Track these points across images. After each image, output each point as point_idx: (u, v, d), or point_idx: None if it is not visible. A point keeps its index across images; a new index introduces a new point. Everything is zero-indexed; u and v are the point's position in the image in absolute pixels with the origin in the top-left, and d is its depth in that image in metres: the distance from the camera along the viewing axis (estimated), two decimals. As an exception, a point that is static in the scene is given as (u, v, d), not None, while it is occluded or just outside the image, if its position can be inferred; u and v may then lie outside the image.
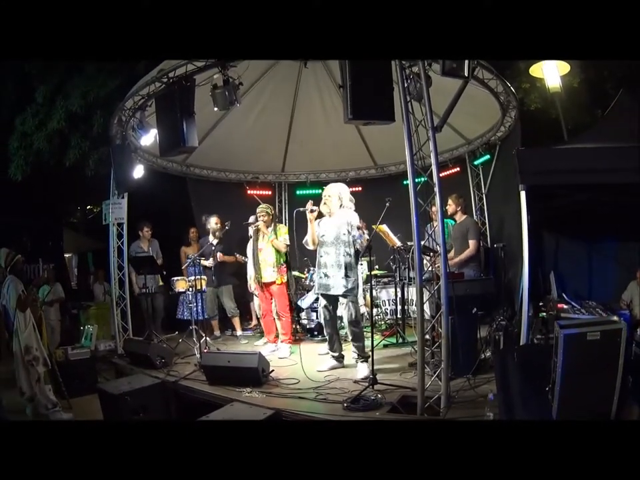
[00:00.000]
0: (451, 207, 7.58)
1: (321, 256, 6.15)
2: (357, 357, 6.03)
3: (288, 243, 7.44)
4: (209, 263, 8.51)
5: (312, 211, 6.08)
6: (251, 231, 7.56)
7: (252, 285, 7.93)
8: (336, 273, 5.99)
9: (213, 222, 8.61)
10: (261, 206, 7.59)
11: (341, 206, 6.19)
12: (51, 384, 6.33)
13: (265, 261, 7.39)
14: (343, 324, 6.39)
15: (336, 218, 6.15)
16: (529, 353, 4.58)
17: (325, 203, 6.18)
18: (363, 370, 5.85)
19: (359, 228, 6.15)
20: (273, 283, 7.37)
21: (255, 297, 8.13)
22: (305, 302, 8.59)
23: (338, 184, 6.40)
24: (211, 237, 8.60)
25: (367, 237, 6.15)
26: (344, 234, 6.03)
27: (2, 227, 10.62)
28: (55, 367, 6.62)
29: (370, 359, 5.91)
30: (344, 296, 5.97)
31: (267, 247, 7.41)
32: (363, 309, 7.77)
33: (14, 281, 6.10)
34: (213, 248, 8.55)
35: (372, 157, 11.05)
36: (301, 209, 6.21)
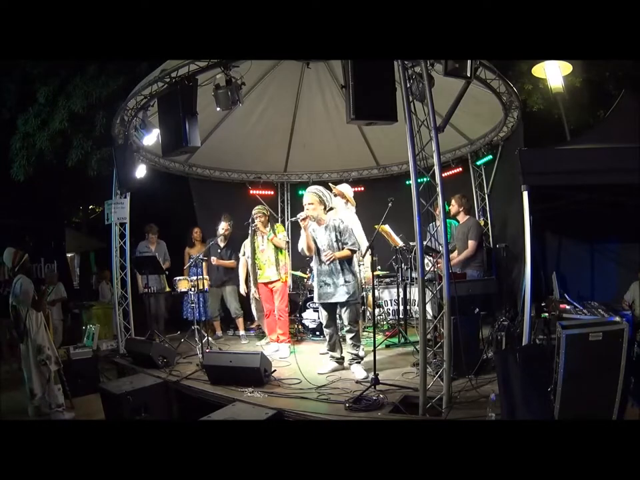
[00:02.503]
0: (453, 207, 7.56)
1: (320, 264, 6.10)
2: (351, 357, 6.04)
3: (287, 239, 7.44)
4: (213, 261, 8.55)
5: (304, 219, 5.99)
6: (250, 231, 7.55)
7: (242, 288, 8.01)
8: (336, 281, 5.96)
9: (221, 227, 8.61)
10: (256, 207, 7.58)
11: (325, 209, 6.12)
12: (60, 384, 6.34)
13: (269, 260, 7.38)
14: (342, 323, 6.37)
15: (325, 224, 6.08)
16: (531, 354, 4.56)
17: (308, 214, 6.01)
18: (359, 372, 5.87)
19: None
20: (277, 280, 7.38)
21: (254, 298, 8.12)
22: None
23: (314, 188, 6.22)
24: (218, 239, 8.60)
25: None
26: (335, 241, 5.98)
27: (4, 227, 10.64)
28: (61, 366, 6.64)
29: (363, 360, 5.98)
30: (346, 302, 5.94)
31: (268, 247, 7.40)
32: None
33: (26, 281, 6.07)
34: (219, 250, 8.59)
35: (374, 157, 11.04)
36: (293, 219, 6.15)
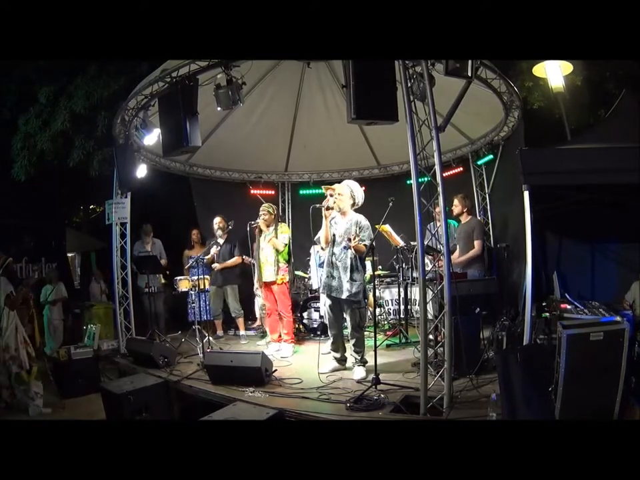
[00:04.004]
0: (457, 207, 7.57)
1: (331, 255, 6.06)
2: (355, 361, 6.03)
3: (286, 242, 7.39)
4: (209, 257, 8.55)
5: (328, 208, 6.00)
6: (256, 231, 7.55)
7: (256, 285, 7.94)
8: (342, 275, 5.91)
9: (215, 222, 8.62)
10: (263, 205, 7.59)
11: (353, 205, 6.08)
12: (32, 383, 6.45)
13: (266, 260, 7.39)
14: (346, 324, 6.35)
15: (347, 217, 6.05)
16: (532, 353, 4.56)
17: (335, 202, 6.04)
18: (359, 372, 5.87)
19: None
20: (274, 282, 7.37)
21: (257, 296, 8.10)
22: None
23: (350, 181, 6.24)
24: (217, 235, 8.60)
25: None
26: (352, 235, 5.90)
27: (5, 227, 10.63)
28: (47, 365, 6.91)
29: (367, 363, 5.96)
30: (348, 301, 5.91)
31: (267, 246, 7.41)
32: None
33: (3, 281, 6.29)
34: (219, 248, 8.58)
35: (375, 156, 11.05)
36: (317, 205, 6.09)
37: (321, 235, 6.12)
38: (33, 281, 9.17)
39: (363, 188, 10.02)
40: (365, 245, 5.84)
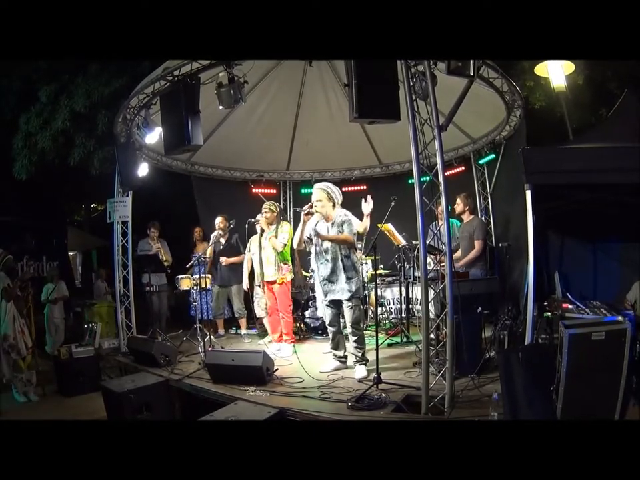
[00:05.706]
0: (459, 205, 7.57)
1: (322, 263, 6.02)
2: (355, 359, 6.02)
3: (286, 242, 7.33)
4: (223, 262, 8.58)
5: (307, 214, 5.97)
6: (257, 227, 7.52)
7: (245, 283, 7.97)
8: (338, 278, 5.91)
9: (216, 222, 8.61)
10: (266, 203, 7.56)
11: (334, 205, 6.04)
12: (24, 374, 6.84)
13: (268, 259, 7.35)
14: (345, 322, 6.33)
15: (332, 220, 6.02)
16: (534, 353, 4.56)
17: (317, 211, 6.00)
18: (360, 371, 5.85)
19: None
20: (275, 282, 7.35)
21: (255, 296, 8.08)
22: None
23: (322, 184, 6.17)
24: (218, 232, 8.57)
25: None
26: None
27: (6, 225, 10.64)
28: (36, 360, 7.18)
29: (368, 362, 5.94)
30: (349, 299, 5.89)
31: (268, 245, 7.37)
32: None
33: (1, 276, 6.65)
34: (221, 247, 8.56)
35: (377, 155, 11.04)
36: (298, 209, 6.10)
37: (296, 236, 6.17)
38: (29, 275, 9.18)
39: (365, 187, 10.06)
40: (350, 235, 5.89)
